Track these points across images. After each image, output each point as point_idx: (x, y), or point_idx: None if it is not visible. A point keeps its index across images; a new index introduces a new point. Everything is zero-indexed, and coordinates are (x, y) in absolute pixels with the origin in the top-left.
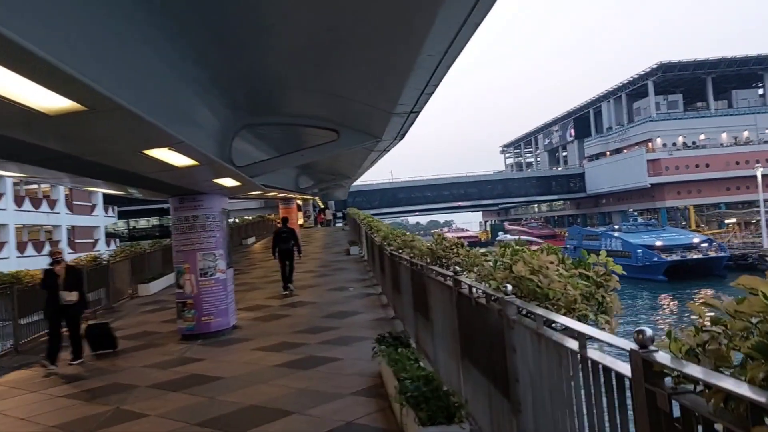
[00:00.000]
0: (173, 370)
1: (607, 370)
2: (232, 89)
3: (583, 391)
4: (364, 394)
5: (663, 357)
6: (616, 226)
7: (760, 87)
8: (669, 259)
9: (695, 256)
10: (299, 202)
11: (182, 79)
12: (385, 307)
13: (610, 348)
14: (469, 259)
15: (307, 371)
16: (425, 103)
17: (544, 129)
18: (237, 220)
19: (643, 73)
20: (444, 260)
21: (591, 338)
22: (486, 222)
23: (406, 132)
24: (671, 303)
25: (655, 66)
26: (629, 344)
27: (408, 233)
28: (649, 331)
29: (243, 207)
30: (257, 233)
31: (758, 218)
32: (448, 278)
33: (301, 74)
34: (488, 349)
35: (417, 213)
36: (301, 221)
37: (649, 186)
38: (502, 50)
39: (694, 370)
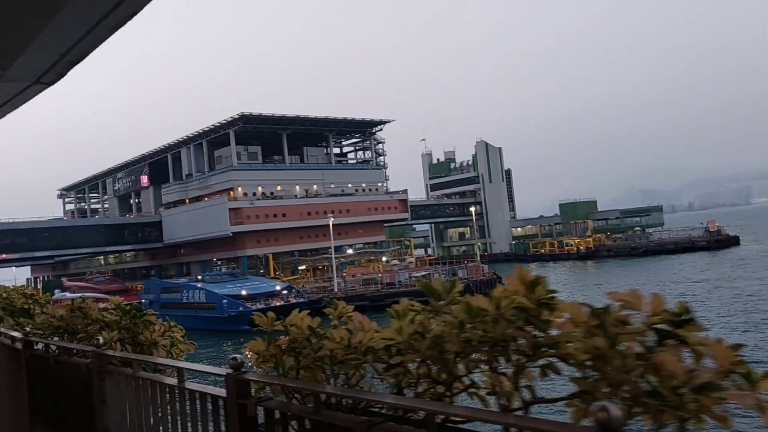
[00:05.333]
0: None
1: (204, 395)
2: None
3: (188, 419)
4: None
5: (252, 375)
6: (199, 277)
7: (326, 146)
8: (254, 308)
9: (278, 304)
10: None
11: None
12: None
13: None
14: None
15: None
16: None
17: (114, 172)
18: None
19: (225, 122)
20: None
21: (192, 371)
22: (36, 279)
23: None
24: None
25: (237, 116)
26: (225, 370)
27: None
28: (240, 357)
29: None
30: None
31: (326, 264)
32: (17, 341)
33: None
34: (72, 406)
35: None
36: None
37: (231, 234)
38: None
39: (266, 377)
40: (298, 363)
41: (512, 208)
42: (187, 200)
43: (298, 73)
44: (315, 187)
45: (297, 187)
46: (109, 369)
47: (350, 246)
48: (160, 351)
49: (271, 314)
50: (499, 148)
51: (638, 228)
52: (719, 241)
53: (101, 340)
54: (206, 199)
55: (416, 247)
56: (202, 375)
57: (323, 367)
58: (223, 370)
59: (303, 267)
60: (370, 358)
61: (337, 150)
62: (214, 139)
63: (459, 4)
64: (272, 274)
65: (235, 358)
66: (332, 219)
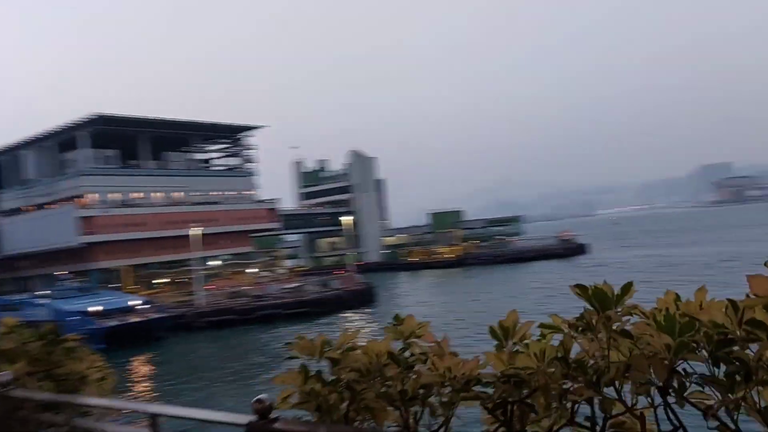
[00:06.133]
0: None
1: None
2: None
3: None
4: None
5: (286, 423)
6: (43, 292)
7: (191, 152)
8: (107, 324)
9: (136, 320)
10: None
11: None
12: None
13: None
14: None
15: None
16: None
17: None
18: None
19: (77, 123)
20: None
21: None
22: None
23: None
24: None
25: (93, 117)
26: (245, 417)
27: None
28: (267, 397)
29: None
30: None
31: (189, 277)
32: None
33: None
34: None
35: None
36: None
37: (81, 245)
38: None
39: (307, 426)
40: (353, 402)
41: (385, 218)
42: (30, 207)
43: (167, 77)
44: (177, 194)
45: (158, 194)
46: (22, 417)
47: (215, 257)
48: (92, 389)
49: (319, 337)
50: (373, 158)
51: (501, 237)
52: (570, 249)
53: (5, 376)
54: (53, 206)
55: (286, 257)
56: (197, 425)
57: (396, 405)
58: (241, 417)
59: (163, 280)
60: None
61: (202, 156)
62: (64, 141)
63: (338, 13)
64: (128, 288)
65: (260, 400)
66: (196, 229)
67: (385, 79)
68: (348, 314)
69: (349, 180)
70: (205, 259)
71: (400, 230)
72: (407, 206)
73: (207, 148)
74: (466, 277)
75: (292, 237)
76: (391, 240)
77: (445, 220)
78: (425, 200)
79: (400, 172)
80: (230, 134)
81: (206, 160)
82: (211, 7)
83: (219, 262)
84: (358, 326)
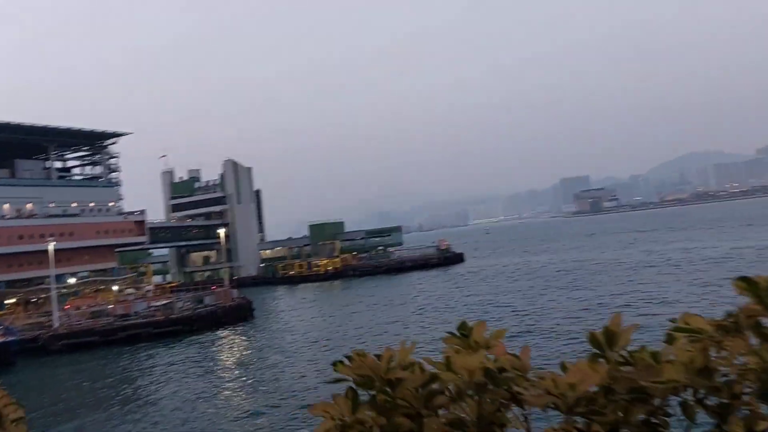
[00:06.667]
0: None
1: None
2: None
3: None
4: None
5: None
6: None
7: (46, 159)
8: None
9: None
10: None
11: None
12: None
13: None
14: None
15: None
16: None
17: None
18: None
19: None
20: None
21: None
22: None
23: None
24: None
25: None
26: None
27: None
28: None
29: None
30: None
31: (43, 296)
32: None
33: None
34: None
35: None
36: None
37: None
38: None
39: None
40: None
41: (262, 230)
42: None
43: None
44: (30, 206)
45: (6, 206)
46: None
47: (74, 274)
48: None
49: (368, 357)
50: (249, 168)
51: (381, 248)
52: (448, 258)
53: None
54: None
55: (155, 273)
56: None
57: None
58: None
59: (13, 300)
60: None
61: (60, 164)
62: None
63: (219, 18)
64: None
65: None
66: (52, 244)
67: (268, 95)
68: (224, 332)
69: (224, 191)
70: (63, 276)
71: (278, 243)
72: (286, 218)
73: (66, 156)
74: (345, 290)
75: (160, 251)
76: (268, 253)
77: (324, 232)
78: (304, 212)
79: (279, 183)
80: (91, 141)
81: (67, 169)
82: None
83: (77, 280)
84: (235, 343)
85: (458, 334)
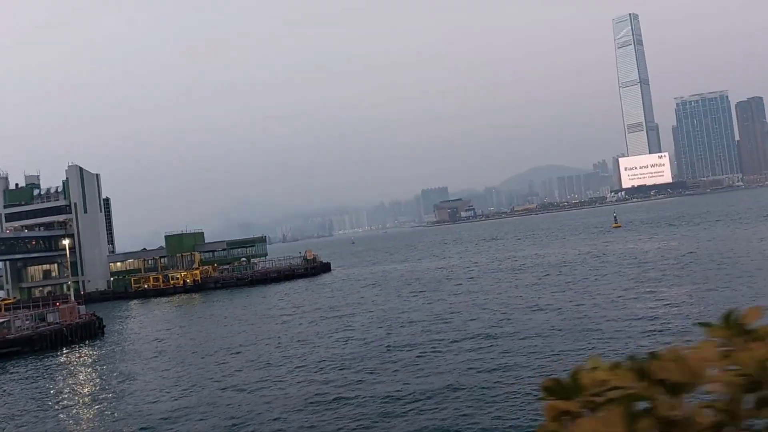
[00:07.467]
0: None
1: None
2: None
3: None
4: None
5: None
6: None
7: None
8: None
9: None
10: None
11: None
12: None
13: None
14: None
15: None
16: None
17: None
18: None
19: None
20: None
21: None
22: None
23: None
24: None
25: None
26: None
27: None
28: None
29: None
30: None
31: None
32: None
33: None
34: None
35: None
36: None
37: None
38: None
39: None
40: None
41: (111, 241)
42: None
43: None
44: None
45: None
46: None
47: None
48: None
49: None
50: (97, 175)
51: (244, 258)
52: (315, 268)
53: None
54: None
55: None
56: None
57: None
58: None
59: None
60: None
61: None
62: None
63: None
64: None
65: None
66: None
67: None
68: (70, 352)
69: (68, 199)
70: None
71: (130, 255)
72: (141, 229)
73: None
74: (204, 303)
75: None
76: (120, 265)
77: (182, 243)
78: (161, 223)
79: (130, 192)
80: None
81: None
82: None
83: None
84: (82, 365)
85: (722, 324)
